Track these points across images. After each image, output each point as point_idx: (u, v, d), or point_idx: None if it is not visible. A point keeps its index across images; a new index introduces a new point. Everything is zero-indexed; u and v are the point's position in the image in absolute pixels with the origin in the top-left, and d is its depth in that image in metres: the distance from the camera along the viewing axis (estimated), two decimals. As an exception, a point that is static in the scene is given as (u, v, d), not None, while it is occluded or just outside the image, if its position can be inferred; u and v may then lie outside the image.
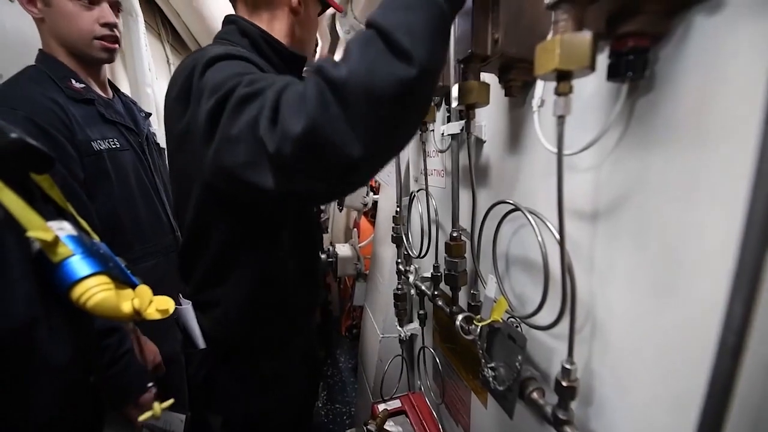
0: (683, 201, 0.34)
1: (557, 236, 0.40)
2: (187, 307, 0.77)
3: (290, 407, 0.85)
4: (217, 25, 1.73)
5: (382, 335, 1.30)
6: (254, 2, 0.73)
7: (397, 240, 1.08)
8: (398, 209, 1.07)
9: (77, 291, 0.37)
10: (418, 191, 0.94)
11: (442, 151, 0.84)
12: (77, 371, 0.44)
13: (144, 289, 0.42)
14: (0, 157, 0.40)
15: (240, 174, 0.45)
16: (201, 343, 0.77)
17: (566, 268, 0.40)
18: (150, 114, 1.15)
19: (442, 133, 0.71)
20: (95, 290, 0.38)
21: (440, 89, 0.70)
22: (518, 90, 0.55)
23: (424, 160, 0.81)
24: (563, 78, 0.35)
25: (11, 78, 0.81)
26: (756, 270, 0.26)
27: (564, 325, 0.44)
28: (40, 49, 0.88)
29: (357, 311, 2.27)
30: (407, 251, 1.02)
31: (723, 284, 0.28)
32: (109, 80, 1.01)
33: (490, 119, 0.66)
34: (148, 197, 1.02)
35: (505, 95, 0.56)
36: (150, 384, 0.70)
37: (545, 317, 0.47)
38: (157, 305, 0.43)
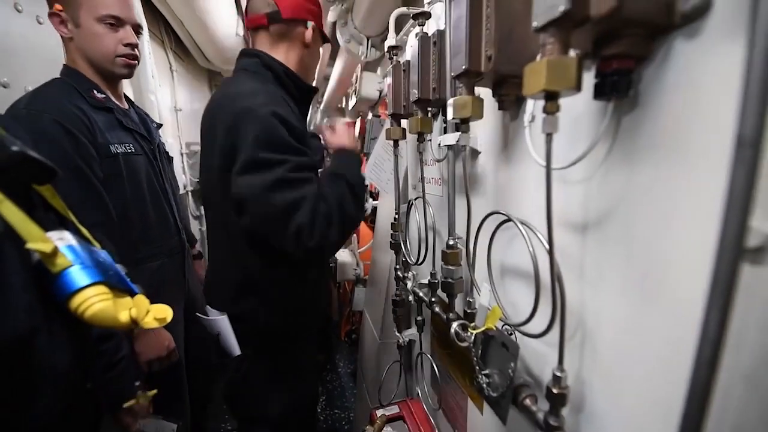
0: (665, 215, 0.36)
1: (546, 246, 0.42)
2: (223, 317, 0.90)
3: (306, 394, 1.07)
4: (219, 34, 1.82)
5: (380, 341, 1.31)
6: (276, 37, 0.90)
7: (395, 246, 1.09)
8: (396, 216, 1.08)
9: (75, 301, 0.39)
10: (415, 199, 0.95)
11: (439, 161, 0.85)
12: (76, 377, 0.45)
13: (141, 299, 0.43)
14: (1, 169, 0.41)
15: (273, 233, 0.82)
16: (237, 351, 0.92)
17: (555, 278, 0.41)
18: (161, 125, 1.22)
19: (439, 144, 0.72)
20: (93, 300, 0.39)
21: (437, 101, 0.72)
22: (511, 104, 0.56)
23: (422, 169, 0.83)
24: (551, 98, 0.36)
25: (39, 87, 0.91)
26: (729, 283, 0.27)
27: (555, 333, 0.45)
28: (64, 65, 0.98)
29: (356, 316, 2.28)
30: (405, 258, 1.03)
31: (701, 296, 0.30)
32: (124, 94, 1.10)
33: (484, 130, 0.68)
34: (157, 200, 1.09)
35: (499, 108, 0.57)
36: (137, 383, 0.71)
37: (538, 325, 0.48)
38: (155, 314, 0.44)
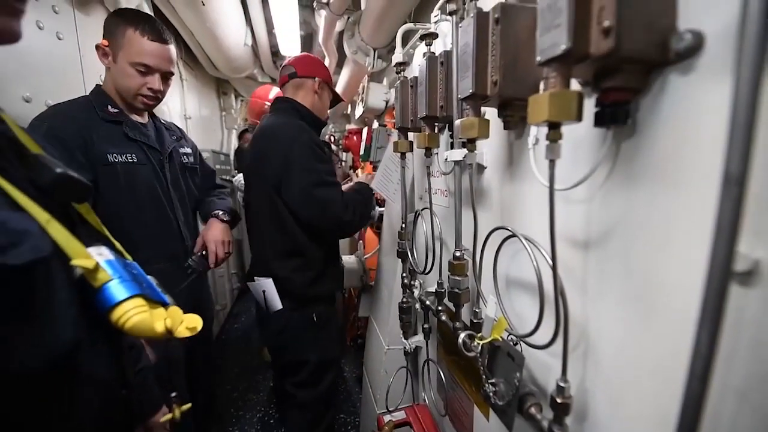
0: (661, 237, 0.38)
1: (550, 262, 0.44)
2: (269, 280, 1.28)
3: (336, 340, 1.43)
4: (229, 43, 2.01)
5: (387, 347, 1.33)
6: (296, 88, 1.36)
7: (402, 255, 1.12)
8: (403, 225, 1.11)
9: (116, 314, 0.42)
10: (422, 210, 0.98)
11: (445, 174, 0.88)
12: (114, 386, 0.48)
13: (175, 310, 0.46)
14: (48, 190, 0.45)
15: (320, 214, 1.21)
16: (279, 305, 1.29)
17: (559, 294, 0.43)
18: (180, 138, 1.28)
19: (446, 159, 0.75)
20: (132, 312, 0.42)
21: (443, 118, 0.75)
22: (515, 124, 0.59)
23: (429, 182, 0.85)
24: (553, 127, 0.39)
25: (65, 101, 1.04)
26: (718, 303, 0.29)
27: (559, 345, 0.48)
28: (97, 84, 1.12)
29: (361, 321, 2.30)
30: (412, 266, 1.06)
31: (694, 314, 0.32)
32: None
33: (490, 147, 0.70)
34: (159, 207, 1.17)
35: (504, 128, 0.60)
36: (173, 394, 0.73)
37: (542, 336, 0.50)
38: (187, 324, 0.47)
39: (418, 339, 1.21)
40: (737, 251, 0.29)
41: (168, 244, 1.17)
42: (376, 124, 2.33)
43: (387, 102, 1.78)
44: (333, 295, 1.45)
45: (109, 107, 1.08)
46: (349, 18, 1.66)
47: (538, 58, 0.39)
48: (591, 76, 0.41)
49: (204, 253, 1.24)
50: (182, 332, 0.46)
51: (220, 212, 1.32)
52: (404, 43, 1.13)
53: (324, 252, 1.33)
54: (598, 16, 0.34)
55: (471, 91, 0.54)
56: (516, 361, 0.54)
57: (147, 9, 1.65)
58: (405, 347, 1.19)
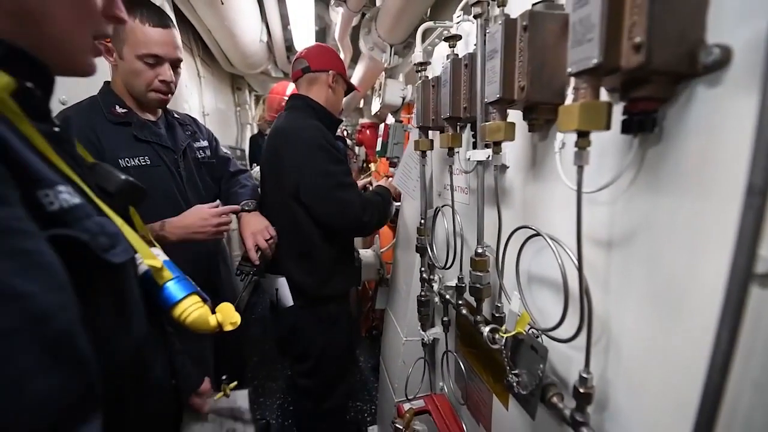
0: (686, 241, 0.40)
1: (576, 263, 0.47)
2: (283, 278, 1.30)
3: (344, 338, 1.45)
4: (245, 40, 2.05)
5: (405, 338, 1.38)
6: (309, 83, 1.34)
7: (421, 250, 1.15)
8: (422, 221, 1.13)
9: (178, 310, 0.46)
10: (443, 207, 1.01)
11: (467, 172, 0.90)
12: (167, 376, 0.53)
13: (226, 306, 0.51)
14: (114, 195, 0.49)
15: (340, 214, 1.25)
16: (290, 302, 1.31)
17: (584, 293, 0.46)
18: (195, 132, 1.25)
19: (468, 158, 0.77)
20: (192, 309, 0.46)
21: (467, 119, 0.77)
22: (540, 126, 0.61)
23: (451, 180, 0.88)
24: (583, 135, 0.41)
25: (73, 105, 1.01)
26: (739, 302, 0.32)
27: (581, 338, 0.50)
28: (105, 81, 1.04)
29: (376, 313, 2.35)
30: (431, 261, 1.09)
31: (715, 312, 0.35)
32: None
33: (513, 147, 0.72)
34: (177, 208, 1.13)
35: (529, 131, 0.62)
36: (224, 377, 0.78)
37: (564, 330, 0.53)
38: (230, 320, 0.52)
39: (436, 331, 1.25)
40: (758, 254, 0.32)
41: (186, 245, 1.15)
42: (390, 119, 2.35)
43: (404, 98, 1.79)
44: (345, 293, 1.47)
45: (117, 107, 1.03)
46: (365, 14, 1.67)
47: (569, 69, 0.41)
48: (619, 84, 0.43)
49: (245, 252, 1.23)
50: (228, 327, 0.50)
51: (245, 203, 1.27)
52: (422, 40, 1.14)
53: (337, 253, 1.36)
54: (629, 32, 0.36)
55: (498, 95, 0.56)
56: (539, 354, 0.57)
57: (168, 9, 1.69)
58: (423, 339, 1.23)
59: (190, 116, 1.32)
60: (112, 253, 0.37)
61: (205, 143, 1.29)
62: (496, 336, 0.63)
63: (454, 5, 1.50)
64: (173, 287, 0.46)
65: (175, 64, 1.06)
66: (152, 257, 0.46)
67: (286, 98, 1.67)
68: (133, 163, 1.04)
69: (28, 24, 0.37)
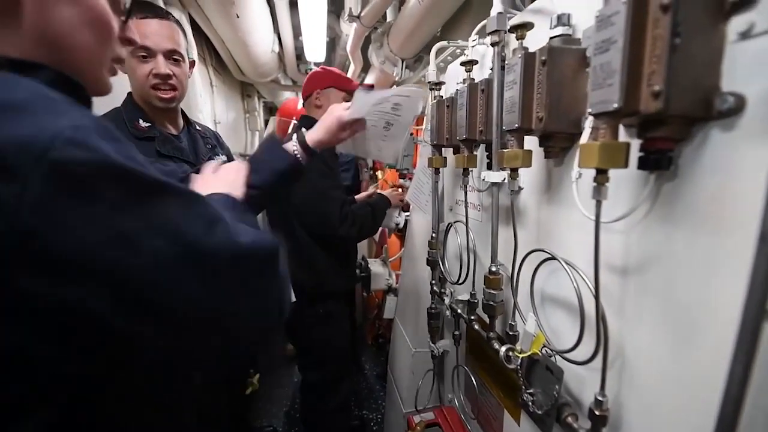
0: (699, 273, 0.42)
1: (593, 292, 0.49)
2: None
3: (343, 335, 1.57)
4: (257, 51, 2.21)
5: (414, 349, 1.39)
6: (308, 106, 1.52)
7: (432, 263, 1.17)
8: (434, 235, 1.16)
9: None
10: (455, 222, 1.03)
11: (480, 191, 0.93)
12: None
13: None
14: None
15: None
16: (293, 298, 1.27)
17: (600, 320, 0.48)
18: (215, 146, 1.28)
19: (483, 179, 0.80)
20: None
21: (482, 141, 0.79)
22: (557, 153, 0.63)
23: (465, 199, 0.90)
24: (601, 172, 0.43)
25: (99, 116, 0.98)
26: (753, 339, 0.34)
27: (597, 361, 0.52)
28: (129, 93, 1.04)
29: (382, 321, 2.37)
30: (443, 275, 1.11)
31: (729, 344, 0.37)
32: (185, 115, 1.15)
33: (528, 170, 0.74)
34: None
35: (545, 157, 0.64)
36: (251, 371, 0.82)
37: (579, 352, 0.55)
38: None
39: (446, 343, 1.26)
40: (772, 294, 0.34)
41: None
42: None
43: (414, 111, 1.82)
44: (343, 292, 1.58)
45: (140, 121, 1.02)
46: (376, 28, 1.71)
47: (590, 110, 0.43)
48: (636, 123, 0.45)
49: None
50: None
51: None
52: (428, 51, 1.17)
53: (332, 255, 1.48)
54: (649, 79, 0.39)
55: (517, 125, 0.58)
56: (555, 375, 0.59)
57: (185, 21, 1.73)
58: (433, 351, 1.24)
59: (211, 130, 1.34)
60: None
61: (224, 158, 1.31)
62: (512, 356, 0.65)
63: (465, 23, 1.54)
64: None
65: (170, 55, 1.00)
66: None
67: (294, 122, 1.83)
68: None
69: (56, 51, 0.40)
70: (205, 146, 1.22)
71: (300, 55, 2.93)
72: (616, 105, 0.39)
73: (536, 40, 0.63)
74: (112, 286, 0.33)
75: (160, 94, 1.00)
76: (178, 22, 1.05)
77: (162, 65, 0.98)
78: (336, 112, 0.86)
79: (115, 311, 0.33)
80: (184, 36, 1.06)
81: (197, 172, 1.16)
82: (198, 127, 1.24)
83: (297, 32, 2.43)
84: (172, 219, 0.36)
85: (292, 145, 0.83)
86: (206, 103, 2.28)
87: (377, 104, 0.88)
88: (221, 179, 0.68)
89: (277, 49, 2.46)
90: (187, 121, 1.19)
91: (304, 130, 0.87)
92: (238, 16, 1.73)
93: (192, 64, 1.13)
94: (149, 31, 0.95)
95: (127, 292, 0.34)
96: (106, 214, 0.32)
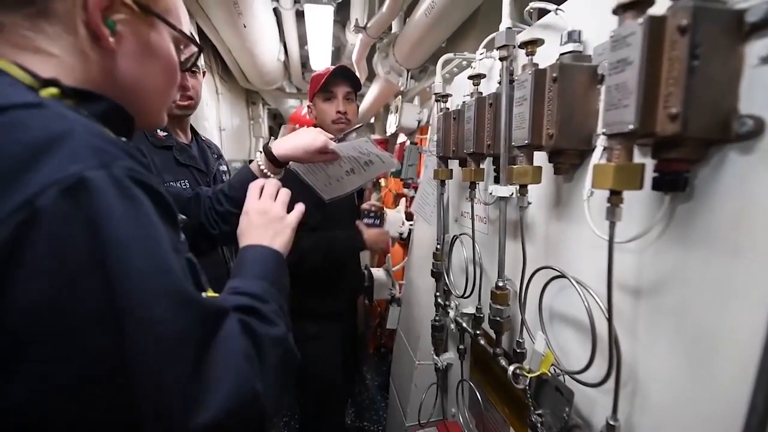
0: (718, 297, 0.41)
1: (605, 312, 0.48)
2: None
3: (327, 362, 1.44)
4: (263, 60, 2.14)
5: (418, 362, 1.37)
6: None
7: (436, 275, 1.16)
8: (438, 246, 1.15)
9: None
10: (461, 235, 1.02)
11: (487, 204, 0.92)
12: None
13: None
14: None
15: None
16: None
17: (613, 343, 0.47)
18: (221, 156, 1.31)
19: (491, 193, 0.79)
20: None
21: (490, 154, 0.79)
22: (566, 170, 0.63)
23: (472, 213, 0.89)
24: (616, 193, 0.43)
25: None
26: (779, 373, 0.33)
27: (609, 383, 0.51)
28: None
29: (384, 330, 2.34)
30: (447, 287, 1.10)
31: (750, 374, 0.35)
32: (191, 126, 1.21)
33: (537, 185, 0.74)
34: None
35: (555, 173, 0.64)
36: None
37: (590, 373, 0.54)
38: None
39: (450, 356, 1.25)
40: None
41: (212, 269, 1.20)
42: (402, 137, 2.38)
43: (419, 121, 1.83)
44: (329, 313, 1.44)
45: (158, 132, 1.10)
46: (382, 39, 1.72)
47: (604, 130, 0.43)
48: (650, 143, 0.45)
49: None
50: None
51: None
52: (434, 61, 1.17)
53: (309, 274, 1.35)
54: (665, 101, 0.38)
55: (527, 141, 0.58)
56: (565, 396, 0.57)
57: (193, 30, 1.75)
58: (436, 364, 1.23)
59: (212, 141, 1.39)
60: (204, 281, 0.44)
61: (225, 167, 1.36)
62: (520, 375, 0.64)
63: (471, 35, 1.54)
64: None
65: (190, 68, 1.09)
66: (210, 291, 0.50)
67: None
68: (175, 186, 1.08)
69: (126, 93, 0.45)
70: (212, 156, 1.26)
71: (305, 64, 2.95)
72: (631, 126, 0.39)
73: (544, 55, 0.63)
74: None
75: (178, 102, 1.09)
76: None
77: (183, 76, 1.02)
78: (321, 135, 0.86)
79: None
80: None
81: (207, 183, 1.21)
82: (203, 138, 1.30)
83: (303, 41, 2.45)
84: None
85: (258, 160, 0.83)
86: (212, 110, 2.29)
87: (361, 152, 0.92)
88: (267, 225, 0.65)
89: (282, 57, 2.48)
90: (194, 132, 1.25)
91: (273, 140, 0.86)
92: (245, 26, 1.74)
93: (203, 74, 1.20)
94: None
95: None
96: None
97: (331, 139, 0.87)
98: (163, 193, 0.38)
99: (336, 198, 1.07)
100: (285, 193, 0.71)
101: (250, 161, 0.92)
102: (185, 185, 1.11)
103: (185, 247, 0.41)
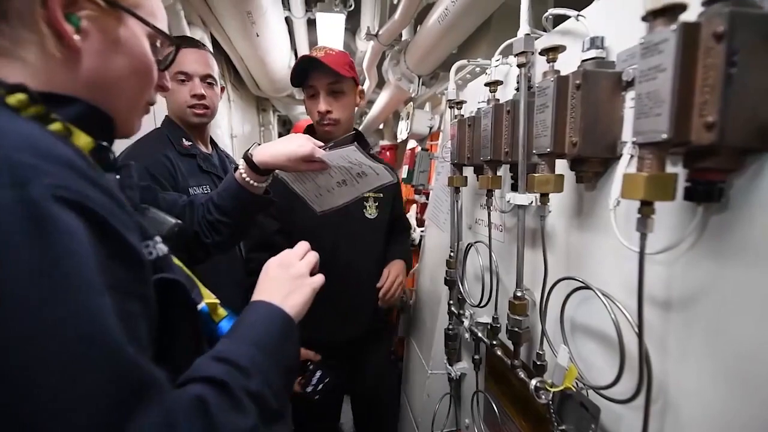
0: (756, 312, 0.39)
1: (635, 327, 0.46)
2: None
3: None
4: (275, 68, 2.09)
5: (430, 371, 1.35)
6: None
7: (450, 283, 1.15)
8: (452, 254, 1.13)
9: None
10: (476, 243, 1.01)
11: (503, 212, 0.90)
12: None
13: None
14: (166, 239, 0.51)
15: None
16: None
17: (644, 360, 0.45)
18: (238, 166, 1.33)
19: (508, 201, 0.78)
20: None
21: (507, 162, 0.78)
22: (589, 178, 0.61)
23: (489, 220, 0.88)
24: (647, 204, 0.41)
25: (142, 137, 1.10)
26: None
27: (638, 400, 0.49)
28: (166, 115, 1.17)
29: (395, 337, 2.31)
30: (461, 296, 1.08)
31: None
32: (211, 138, 1.28)
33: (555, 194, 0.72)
34: None
35: (577, 182, 0.62)
36: None
37: (617, 389, 0.52)
38: None
39: (464, 366, 1.22)
40: None
41: (232, 272, 1.22)
42: (412, 143, 2.38)
43: (431, 128, 1.83)
44: (321, 346, 1.21)
45: (184, 141, 1.15)
46: (393, 46, 1.73)
47: (635, 140, 0.41)
48: (682, 153, 0.43)
49: None
50: None
51: None
52: (446, 68, 1.16)
53: None
54: (700, 110, 0.37)
55: (549, 149, 0.57)
56: (590, 412, 0.55)
57: (207, 41, 1.78)
58: (450, 374, 1.21)
59: (228, 153, 1.44)
60: (195, 294, 0.40)
61: None
62: (542, 390, 0.62)
63: (483, 41, 1.54)
64: (227, 325, 0.48)
65: (205, 78, 1.15)
66: (210, 296, 0.48)
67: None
68: (198, 191, 1.12)
69: (99, 95, 0.42)
70: (230, 165, 1.32)
71: (315, 71, 2.98)
72: (665, 135, 0.38)
73: (562, 62, 0.62)
74: None
75: (195, 111, 1.14)
76: (212, 54, 1.18)
77: (198, 86, 1.13)
78: (308, 143, 0.79)
79: None
80: (217, 65, 1.22)
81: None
82: (221, 149, 1.37)
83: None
84: None
85: (239, 167, 0.79)
86: (224, 118, 2.32)
87: (352, 162, 0.85)
88: (285, 280, 0.55)
89: (293, 65, 2.51)
90: (213, 143, 1.31)
91: (256, 146, 0.82)
92: (258, 35, 1.76)
93: (222, 89, 1.26)
94: (188, 59, 1.10)
95: None
96: None
97: (321, 147, 0.80)
98: (109, 219, 0.31)
99: (329, 211, 0.99)
100: (313, 256, 0.63)
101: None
102: (206, 190, 1.15)
103: (137, 287, 0.34)
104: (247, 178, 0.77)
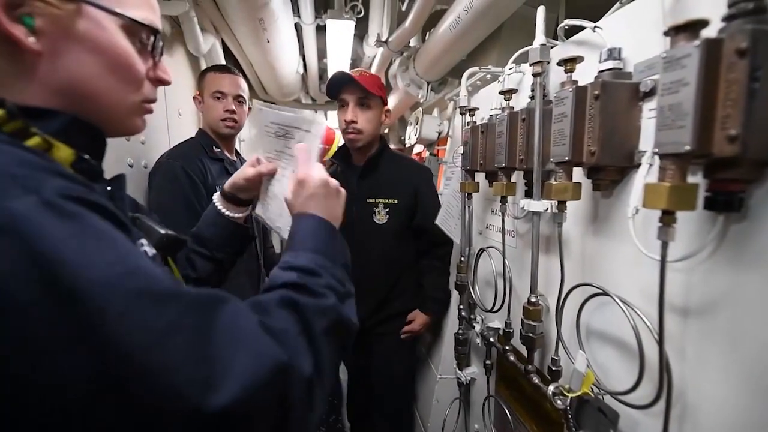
0: (779, 321, 0.40)
1: (656, 335, 0.47)
2: None
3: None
4: (283, 73, 2.17)
5: (440, 376, 1.36)
6: None
7: (460, 288, 1.15)
8: (462, 259, 1.14)
9: None
10: (488, 248, 1.02)
11: (517, 218, 0.91)
12: None
13: None
14: (158, 247, 0.51)
15: None
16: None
17: (665, 368, 0.46)
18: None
19: (522, 207, 0.79)
20: None
21: (522, 169, 0.79)
22: (606, 186, 0.62)
23: (503, 226, 0.89)
24: (668, 213, 0.42)
25: (180, 143, 1.33)
26: None
27: (657, 406, 0.50)
28: (200, 128, 1.39)
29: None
30: (472, 301, 1.09)
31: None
32: (235, 149, 1.48)
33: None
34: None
35: (593, 190, 0.63)
36: None
37: (636, 394, 0.52)
38: None
39: (473, 371, 1.23)
40: None
41: (248, 264, 1.34)
42: (419, 147, 2.40)
43: (439, 133, 1.84)
44: None
45: (214, 148, 1.33)
46: (402, 53, 1.75)
47: (656, 150, 0.42)
48: (703, 163, 0.44)
49: None
50: None
51: None
52: (456, 74, 1.18)
53: None
54: (723, 123, 0.38)
55: (568, 158, 0.58)
56: (609, 417, 0.56)
57: (218, 46, 1.80)
58: (460, 378, 1.21)
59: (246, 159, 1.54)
60: None
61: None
62: (559, 396, 0.63)
63: (493, 48, 1.56)
64: None
65: (236, 98, 1.35)
66: None
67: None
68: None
69: (76, 100, 0.40)
70: None
71: (323, 76, 3.00)
72: (688, 147, 0.39)
73: (577, 72, 0.63)
74: None
75: (227, 124, 1.33)
76: (245, 77, 1.35)
77: (230, 103, 1.32)
78: (252, 160, 0.77)
79: None
80: (246, 86, 1.42)
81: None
82: (244, 158, 1.51)
83: (321, 54, 2.49)
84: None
85: (214, 198, 0.79)
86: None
87: (278, 132, 0.75)
88: (321, 198, 0.58)
89: (301, 70, 2.53)
90: (237, 153, 1.51)
91: None
92: (268, 41, 1.79)
93: (249, 109, 1.42)
94: (225, 81, 1.31)
95: None
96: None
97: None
98: (107, 206, 0.34)
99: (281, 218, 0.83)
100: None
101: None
102: None
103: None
104: (224, 210, 0.76)
